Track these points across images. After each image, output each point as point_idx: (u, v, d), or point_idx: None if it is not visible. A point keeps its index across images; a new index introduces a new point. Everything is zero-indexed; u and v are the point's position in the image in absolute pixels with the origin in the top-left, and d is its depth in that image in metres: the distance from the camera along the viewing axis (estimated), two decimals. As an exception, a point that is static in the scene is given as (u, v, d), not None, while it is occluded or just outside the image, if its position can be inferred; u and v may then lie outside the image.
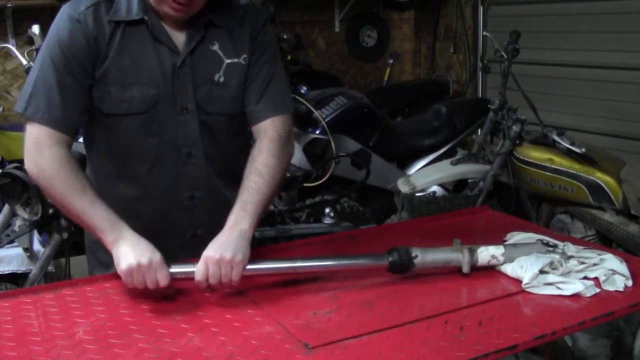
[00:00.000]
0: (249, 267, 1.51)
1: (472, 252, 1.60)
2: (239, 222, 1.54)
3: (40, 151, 1.54)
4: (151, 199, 1.69)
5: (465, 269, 1.59)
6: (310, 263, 1.60)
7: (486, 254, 1.60)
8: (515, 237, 1.80)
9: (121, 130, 1.63)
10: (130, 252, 1.47)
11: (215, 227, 1.56)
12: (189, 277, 1.49)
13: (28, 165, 1.56)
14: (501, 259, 1.60)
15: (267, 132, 1.66)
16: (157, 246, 1.62)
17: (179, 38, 1.61)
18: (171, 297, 1.52)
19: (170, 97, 1.61)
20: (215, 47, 1.64)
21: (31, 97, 1.56)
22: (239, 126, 1.74)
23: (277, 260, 1.61)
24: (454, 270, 1.62)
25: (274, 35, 1.75)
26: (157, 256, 1.47)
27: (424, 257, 1.58)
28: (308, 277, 1.61)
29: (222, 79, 1.64)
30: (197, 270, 1.48)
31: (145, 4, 1.58)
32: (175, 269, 1.50)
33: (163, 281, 1.47)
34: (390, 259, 1.57)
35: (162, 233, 1.68)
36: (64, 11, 1.58)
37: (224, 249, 1.48)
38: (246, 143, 1.80)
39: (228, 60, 1.65)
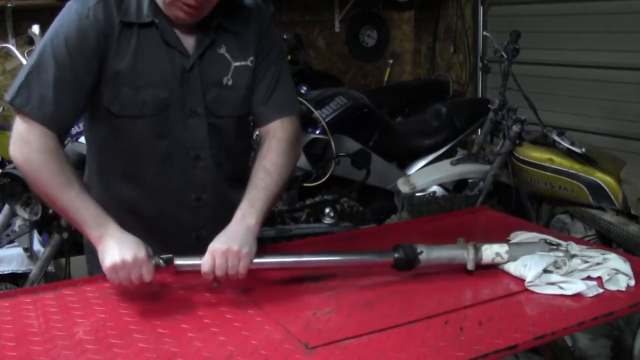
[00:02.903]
0: (255, 260, 1.51)
1: (477, 250, 1.60)
2: (246, 217, 1.54)
3: (28, 141, 1.50)
4: (157, 199, 1.69)
5: (470, 266, 1.59)
6: (317, 258, 1.61)
7: (490, 251, 1.60)
8: (519, 237, 1.79)
9: (131, 132, 1.63)
10: (115, 248, 1.45)
11: (219, 228, 1.55)
12: (195, 269, 1.49)
13: (14, 153, 1.52)
14: (505, 256, 1.60)
15: (277, 132, 1.67)
16: (161, 246, 1.63)
17: (189, 42, 1.61)
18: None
19: (180, 100, 1.61)
20: (223, 50, 1.64)
21: (22, 87, 1.52)
22: (245, 127, 1.76)
23: (283, 254, 1.62)
24: (455, 270, 1.62)
25: (278, 35, 1.75)
26: (141, 251, 1.45)
27: (429, 253, 1.58)
28: (308, 277, 1.61)
29: (230, 82, 1.64)
30: (204, 262, 1.47)
31: (155, 7, 1.57)
32: (181, 262, 1.50)
33: (147, 276, 1.45)
34: (395, 255, 1.57)
35: (166, 233, 1.69)
36: (71, 7, 1.55)
37: (231, 241, 1.48)
38: (249, 143, 1.81)
39: (236, 63, 1.65)
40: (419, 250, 1.57)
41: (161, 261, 1.48)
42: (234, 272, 1.48)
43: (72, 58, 1.52)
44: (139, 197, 1.69)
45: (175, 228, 1.71)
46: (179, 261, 1.49)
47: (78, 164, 2.60)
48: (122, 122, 1.61)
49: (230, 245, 1.48)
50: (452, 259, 1.60)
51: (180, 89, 1.61)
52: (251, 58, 1.66)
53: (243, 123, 1.74)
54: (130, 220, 1.67)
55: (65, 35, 1.52)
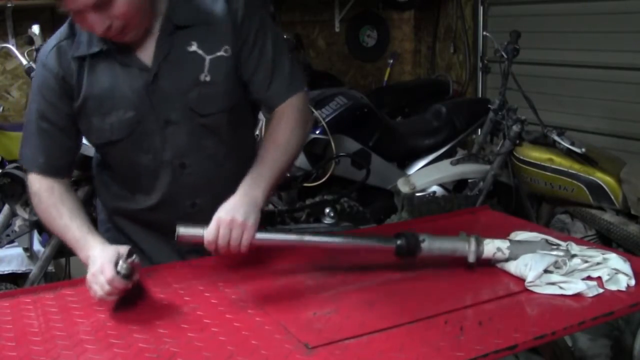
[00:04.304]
0: (258, 236, 1.50)
1: (479, 243, 1.60)
2: (252, 190, 1.53)
3: (30, 191, 1.65)
4: (156, 209, 1.70)
5: (471, 258, 1.58)
6: (319, 239, 1.60)
7: (492, 246, 1.60)
8: (519, 236, 1.79)
9: (114, 154, 1.66)
10: (89, 268, 1.45)
11: None
12: (197, 239, 1.48)
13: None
14: (506, 252, 1.59)
15: (285, 111, 1.64)
16: (168, 249, 1.68)
17: (148, 53, 1.57)
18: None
19: (150, 114, 1.59)
20: (194, 47, 1.58)
21: (22, 144, 1.66)
22: (240, 117, 1.72)
23: (285, 232, 1.61)
24: (455, 270, 1.62)
25: (261, 14, 1.65)
26: (105, 260, 1.40)
27: (431, 242, 1.58)
28: (308, 277, 1.61)
29: (208, 78, 1.60)
30: (208, 231, 1.46)
31: None
32: (184, 230, 1.48)
33: (116, 283, 1.38)
34: (398, 242, 1.57)
35: (172, 238, 1.69)
36: (37, 58, 1.64)
37: (236, 212, 1.47)
38: (251, 133, 1.79)
39: (210, 57, 1.59)
40: (421, 239, 1.57)
41: (119, 270, 1.39)
42: (237, 243, 1.47)
43: (45, 107, 1.60)
44: (141, 208, 1.71)
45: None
46: (182, 230, 1.48)
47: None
48: (103, 149, 1.66)
49: (234, 216, 1.46)
50: (454, 250, 1.60)
51: (147, 104, 1.58)
52: (225, 47, 1.60)
53: (236, 115, 1.68)
54: (139, 227, 1.68)
55: (37, 86, 1.62)
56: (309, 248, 1.85)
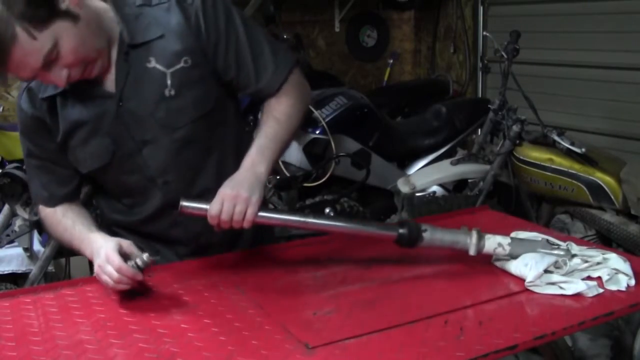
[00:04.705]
0: (261, 214, 1.50)
1: (480, 236, 1.59)
2: (256, 165, 1.53)
3: (41, 218, 1.74)
4: (151, 222, 1.70)
5: (472, 251, 1.58)
6: (322, 221, 1.59)
7: (493, 240, 1.60)
8: (520, 235, 1.79)
9: (104, 179, 1.68)
10: (95, 260, 1.49)
11: (216, 233, 1.55)
12: (201, 212, 1.49)
13: None
14: (507, 248, 1.59)
15: (284, 91, 1.63)
16: (169, 255, 1.69)
17: (111, 79, 1.54)
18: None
19: (125, 137, 1.58)
20: (152, 64, 1.53)
21: (29, 181, 1.74)
22: (217, 118, 1.65)
23: (289, 212, 1.61)
24: (455, 270, 1.62)
25: (224, 8, 1.57)
26: (109, 249, 1.44)
27: (432, 233, 1.58)
28: (308, 277, 1.61)
29: (172, 92, 1.54)
30: (212, 205, 1.47)
31: None
32: (187, 203, 1.49)
33: (125, 271, 1.42)
34: (400, 230, 1.57)
35: (169, 245, 1.73)
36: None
37: (241, 187, 1.48)
38: (231, 127, 1.71)
39: (170, 70, 1.53)
40: (423, 228, 1.57)
41: (138, 261, 1.44)
42: (240, 217, 1.47)
43: (31, 147, 1.65)
44: (137, 220, 1.71)
45: (174, 240, 1.73)
46: (185, 203, 1.49)
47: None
48: (91, 175, 1.67)
49: (239, 191, 1.47)
50: (455, 242, 1.59)
51: (119, 129, 1.56)
52: (184, 58, 1.53)
53: (212, 117, 1.63)
54: (138, 237, 1.69)
55: (20, 128, 1.66)
56: (308, 248, 1.86)
